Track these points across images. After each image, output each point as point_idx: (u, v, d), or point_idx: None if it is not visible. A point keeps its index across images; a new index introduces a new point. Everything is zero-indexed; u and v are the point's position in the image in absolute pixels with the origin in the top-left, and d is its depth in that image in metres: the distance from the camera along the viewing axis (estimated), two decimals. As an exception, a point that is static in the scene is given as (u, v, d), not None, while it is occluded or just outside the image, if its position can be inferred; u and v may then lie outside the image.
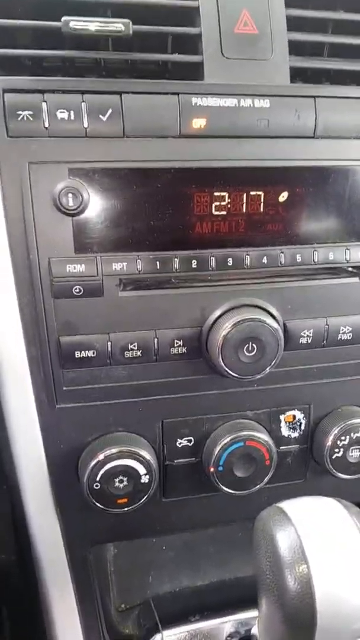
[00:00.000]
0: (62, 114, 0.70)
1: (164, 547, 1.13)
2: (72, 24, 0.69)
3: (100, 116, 0.71)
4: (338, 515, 0.66)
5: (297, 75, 0.80)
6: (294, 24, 0.78)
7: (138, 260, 0.77)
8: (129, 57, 0.75)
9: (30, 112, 0.69)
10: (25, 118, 0.69)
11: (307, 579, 0.60)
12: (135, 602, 1.10)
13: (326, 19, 0.81)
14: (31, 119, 0.69)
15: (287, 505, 0.67)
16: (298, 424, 0.95)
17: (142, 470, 0.84)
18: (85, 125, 0.71)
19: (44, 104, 0.69)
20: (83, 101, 0.70)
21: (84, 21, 0.70)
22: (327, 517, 0.66)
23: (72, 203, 0.73)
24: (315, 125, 0.78)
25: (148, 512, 0.90)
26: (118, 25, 0.70)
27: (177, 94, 0.73)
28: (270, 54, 0.77)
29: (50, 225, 0.74)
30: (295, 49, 0.79)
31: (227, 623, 1.02)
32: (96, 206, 0.74)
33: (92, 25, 0.70)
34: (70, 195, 0.72)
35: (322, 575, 0.60)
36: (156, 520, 0.96)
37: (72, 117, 0.70)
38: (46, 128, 0.70)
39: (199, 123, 0.75)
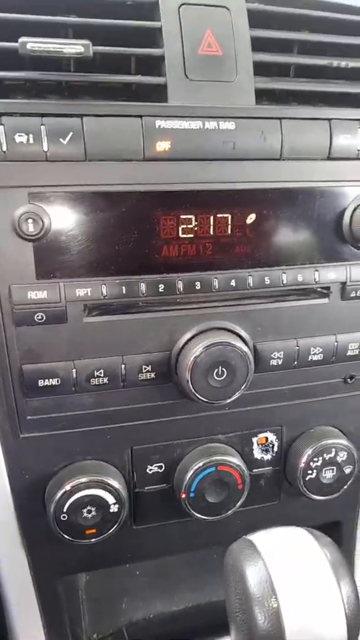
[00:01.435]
0: (20, 138, 0.68)
1: (137, 572, 1.10)
2: (29, 46, 0.67)
3: (61, 139, 0.69)
4: (308, 547, 0.64)
5: (264, 94, 0.79)
6: (258, 44, 0.77)
7: (103, 285, 0.75)
8: (90, 78, 0.73)
9: None
10: None
11: (277, 616, 0.59)
12: (108, 631, 1.07)
13: (291, 40, 0.81)
14: None
15: (257, 537, 0.66)
16: (271, 446, 0.94)
17: (110, 499, 0.82)
18: (45, 148, 0.69)
19: (1, 128, 0.67)
20: (42, 124, 0.68)
21: (42, 42, 0.67)
22: (297, 550, 0.64)
23: (33, 229, 0.70)
24: (281, 147, 0.78)
25: (119, 540, 0.87)
26: (77, 47, 0.68)
27: (140, 116, 0.72)
28: (235, 75, 0.76)
29: (10, 251, 0.71)
30: (261, 69, 0.78)
31: (201, 651, 1.00)
32: (58, 231, 0.72)
33: (50, 46, 0.67)
34: (30, 220, 0.70)
35: (292, 611, 0.59)
36: (127, 548, 0.94)
37: (32, 140, 0.68)
38: (4, 152, 0.68)
39: (163, 146, 0.73)
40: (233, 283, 0.80)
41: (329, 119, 0.78)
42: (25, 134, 0.68)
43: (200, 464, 0.86)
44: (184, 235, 0.77)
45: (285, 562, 0.62)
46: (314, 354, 0.87)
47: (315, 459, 0.92)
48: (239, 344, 0.80)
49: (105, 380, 0.79)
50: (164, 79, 0.73)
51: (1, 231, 0.70)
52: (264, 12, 0.78)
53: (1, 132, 0.67)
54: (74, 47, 0.68)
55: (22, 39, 0.67)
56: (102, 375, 0.79)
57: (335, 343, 0.87)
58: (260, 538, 0.66)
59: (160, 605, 1.11)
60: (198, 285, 0.79)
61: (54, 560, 0.91)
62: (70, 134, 0.69)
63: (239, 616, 0.61)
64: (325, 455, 0.93)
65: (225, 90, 0.75)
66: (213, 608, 1.12)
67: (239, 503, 0.91)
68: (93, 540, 0.84)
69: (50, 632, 0.96)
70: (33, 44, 0.67)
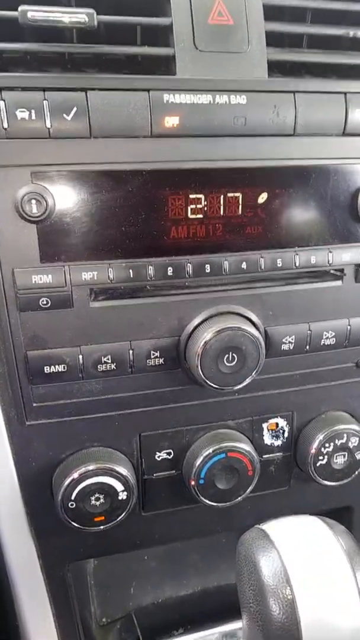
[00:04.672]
0: (22, 114, 0.65)
1: (146, 557, 1.10)
2: (30, 15, 0.63)
3: (64, 115, 0.66)
4: (322, 536, 0.63)
5: (275, 67, 0.76)
6: (271, 13, 0.73)
7: (109, 269, 0.73)
8: (94, 50, 0.69)
9: None
10: None
11: (292, 607, 0.57)
12: (117, 615, 1.07)
13: (305, 8, 0.77)
14: None
15: (270, 527, 0.64)
16: (281, 431, 0.92)
17: (119, 487, 0.81)
18: (48, 125, 0.66)
19: (1, 103, 0.64)
20: (45, 99, 0.65)
21: (44, 11, 0.64)
22: (311, 539, 0.63)
23: (36, 210, 0.67)
24: (295, 122, 0.74)
25: (127, 526, 0.86)
26: (81, 15, 0.64)
27: (147, 90, 0.68)
28: (247, 46, 0.72)
29: (13, 233, 0.69)
30: (272, 40, 0.74)
31: (212, 636, 1.00)
32: (63, 212, 0.69)
33: (52, 15, 0.64)
34: (33, 201, 0.67)
35: (307, 601, 0.58)
36: (136, 534, 0.93)
37: (34, 116, 0.65)
38: (5, 129, 0.65)
39: (171, 121, 0.70)
40: (244, 265, 0.78)
41: (345, 93, 0.75)
42: (27, 109, 0.65)
43: (210, 450, 0.85)
44: (193, 216, 0.75)
45: (299, 552, 0.61)
46: (326, 338, 0.85)
47: (327, 445, 0.91)
48: (250, 328, 0.77)
49: (113, 366, 0.77)
50: (172, 50, 0.70)
51: (3, 212, 0.68)
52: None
53: (2, 107, 0.64)
54: (77, 16, 0.64)
55: (22, 7, 0.63)
56: (109, 361, 0.77)
57: (348, 327, 0.85)
58: (273, 527, 0.65)
59: (169, 589, 1.11)
60: (208, 268, 0.77)
61: (62, 547, 0.91)
62: (74, 109, 0.66)
63: (253, 607, 0.60)
64: (336, 441, 0.91)
65: (236, 62, 0.72)
66: (222, 592, 1.12)
67: (249, 489, 0.89)
68: (102, 527, 0.83)
69: (60, 617, 0.96)
70: (34, 13, 0.64)
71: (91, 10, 0.65)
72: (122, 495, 0.82)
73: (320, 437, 0.90)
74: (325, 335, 0.84)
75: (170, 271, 0.75)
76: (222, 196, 0.75)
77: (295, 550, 0.61)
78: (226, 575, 1.12)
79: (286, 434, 0.92)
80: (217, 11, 0.71)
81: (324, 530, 0.63)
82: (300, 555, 0.60)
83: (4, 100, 0.64)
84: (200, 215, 0.75)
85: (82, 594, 1.05)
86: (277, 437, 0.92)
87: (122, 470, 0.81)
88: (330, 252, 0.81)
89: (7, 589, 0.96)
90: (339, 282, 0.84)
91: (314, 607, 0.57)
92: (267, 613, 0.57)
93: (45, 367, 0.75)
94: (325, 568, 0.60)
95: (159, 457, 0.87)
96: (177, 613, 1.07)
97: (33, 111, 0.65)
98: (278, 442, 0.92)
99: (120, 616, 1.07)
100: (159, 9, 0.71)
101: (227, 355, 0.77)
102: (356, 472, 0.94)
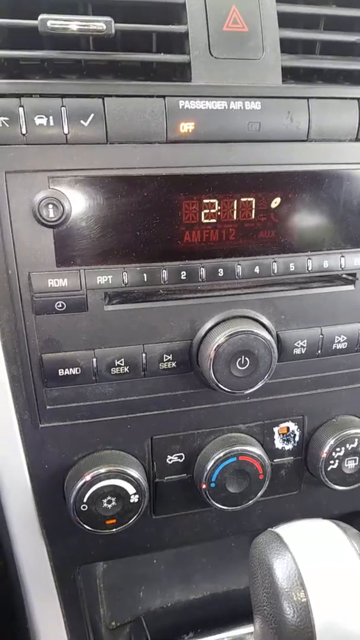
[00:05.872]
0: (40, 120, 0.66)
1: (155, 561, 1.10)
2: (49, 23, 0.64)
3: (82, 121, 0.67)
4: (336, 540, 0.63)
5: (288, 73, 0.76)
6: (284, 20, 0.74)
7: (124, 273, 0.74)
8: (111, 57, 0.70)
9: (6, 118, 0.65)
10: (0, 124, 0.65)
11: (306, 610, 0.57)
12: (126, 619, 1.07)
13: (318, 15, 0.78)
14: (7, 125, 0.65)
15: (283, 530, 0.65)
16: (292, 435, 0.92)
17: (131, 490, 0.81)
18: (66, 131, 0.67)
19: (20, 109, 0.65)
20: (63, 105, 0.66)
21: (63, 20, 0.65)
22: (324, 542, 0.63)
23: (53, 214, 0.68)
24: (308, 128, 0.75)
25: (138, 530, 0.87)
26: (99, 24, 0.65)
27: (163, 96, 0.69)
28: (261, 52, 0.73)
29: (30, 237, 0.70)
30: (287, 46, 0.75)
31: (221, 640, 1.00)
32: (79, 217, 0.70)
33: (71, 24, 0.65)
34: (50, 206, 0.68)
35: (321, 604, 0.58)
36: (147, 537, 0.93)
37: (52, 122, 0.66)
38: (24, 135, 0.66)
39: (186, 127, 0.71)
40: (257, 270, 0.78)
41: (358, 98, 0.75)
42: (46, 115, 0.66)
43: (221, 454, 0.85)
44: (207, 220, 0.75)
45: (313, 555, 0.61)
46: (338, 343, 0.85)
47: (338, 449, 0.91)
48: (263, 332, 0.78)
49: (126, 369, 0.77)
50: (188, 57, 0.70)
51: (21, 217, 0.69)
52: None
53: (21, 114, 0.65)
54: (95, 25, 0.65)
55: (42, 16, 0.64)
56: (122, 364, 0.77)
57: None
58: (287, 530, 0.65)
59: (178, 593, 1.11)
60: (221, 272, 0.77)
61: (73, 549, 0.91)
62: (92, 115, 0.67)
63: (267, 609, 0.60)
64: (347, 445, 0.91)
65: (251, 69, 0.72)
66: (232, 597, 1.11)
67: (260, 493, 0.89)
68: (113, 530, 0.83)
69: (70, 620, 0.96)
70: (54, 22, 0.65)
71: (109, 19, 0.66)
72: (134, 498, 0.82)
73: (332, 441, 0.90)
74: (337, 339, 0.85)
75: (183, 275, 0.76)
76: (235, 201, 0.75)
77: (309, 553, 0.61)
78: (236, 580, 1.12)
79: (297, 438, 0.92)
80: (232, 19, 0.71)
81: (338, 534, 0.63)
82: (314, 559, 0.61)
83: (23, 107, 0.65)
84: (214, 220, 0.75)
85: (92, 597, 1.05)
86: (288, 441, 0.92)
87: (134, 473, 0.81)
88: (343, 256, 0.81)
89: (18, 591, 0.96)
90: (351, 287, 0.84)
91: (328, 610, 0.57)
92: (281, 616, 0.58)
93: (59, 370, 0.75)
94: (339, 571, 0.60)
95: (170, 460, 0.87)
96: (187, 617, 1.07)
97: (51, 117, 0.66)
98: (289, 446, 0.93)
99: (130, 620, 1.07)
100: (175, 17, 0.72)
101: (239, 359, 0.77)
102: (367, 477, 0.94)
